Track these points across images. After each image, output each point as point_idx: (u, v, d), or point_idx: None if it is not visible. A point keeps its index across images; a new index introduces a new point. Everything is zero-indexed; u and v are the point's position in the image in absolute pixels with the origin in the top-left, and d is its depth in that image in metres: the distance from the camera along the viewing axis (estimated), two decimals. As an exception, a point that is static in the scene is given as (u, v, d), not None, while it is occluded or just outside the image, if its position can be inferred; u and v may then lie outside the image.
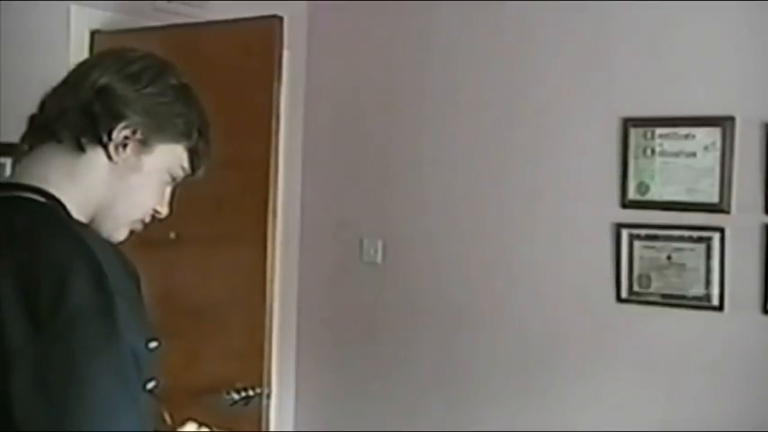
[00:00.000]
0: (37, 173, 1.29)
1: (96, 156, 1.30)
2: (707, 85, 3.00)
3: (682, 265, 3.01)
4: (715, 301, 2.96)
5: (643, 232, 3.08)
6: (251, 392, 2.58)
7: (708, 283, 2.97)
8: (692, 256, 2.99)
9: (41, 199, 1.25)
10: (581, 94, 3.20)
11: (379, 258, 3.61)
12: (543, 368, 3.26)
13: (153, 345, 1.26)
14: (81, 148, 1.29)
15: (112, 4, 2.90)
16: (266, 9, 2.60)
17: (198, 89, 2.85)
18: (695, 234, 2.99)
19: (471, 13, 3.40)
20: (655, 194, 3.06)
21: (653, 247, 3.06)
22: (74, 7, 2.82)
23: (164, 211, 1.41)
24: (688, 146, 3.01)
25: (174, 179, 1.39)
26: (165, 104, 1.33)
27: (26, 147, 1.34)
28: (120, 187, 1.32)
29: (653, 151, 3.07)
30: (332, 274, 3.74)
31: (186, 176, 1.40)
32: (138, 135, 1.30)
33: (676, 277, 3.03)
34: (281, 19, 2.58)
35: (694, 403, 3.00)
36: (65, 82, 1.35)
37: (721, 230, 2.94)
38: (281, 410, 3.62)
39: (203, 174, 1.42)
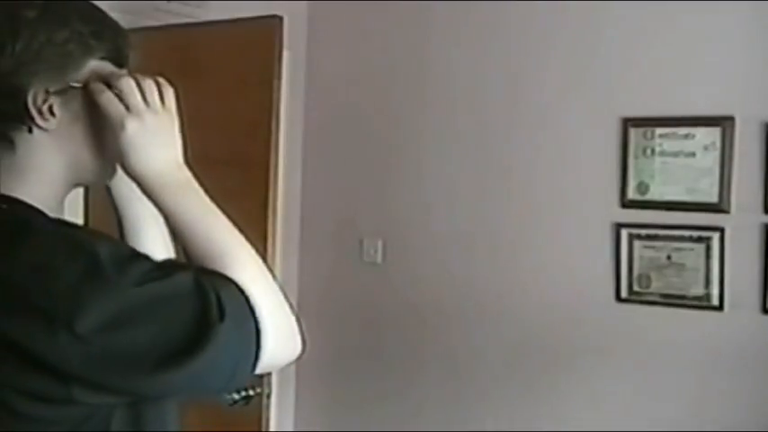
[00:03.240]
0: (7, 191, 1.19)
1: (33, 139, 1.18)
2: (707, 85, 3.00)
3: (682, 265, 3.01)
4: (715, 301, 2.96)
5: (643, 232, 3.08)
6: (251, 392, 2.58)
7: (708, 282, 2.97)
8: (692, 255, 2.99)
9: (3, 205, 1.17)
10: (581, 94, 3.20)
11: (379, 258, 3.61)
12: (543, 368, 3.26)
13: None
14: (12, 144, 1.18)
15: (112, 5, 2.88)
16: (266, 9, 2.60)
17: (198, 89, 2.86)
18: (695, 234, 2.99)
19: (471, 13, 3.40)
20: (655, 194, 3.07)
21: (653, 247, 3.06)
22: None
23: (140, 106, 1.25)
24: (688, 146, 3.01)
25: (113, 85, 1.21)
26: (46, 44, 1.16)
27: None
28: (73, 145, 1.20)
29: (653, 151, 3.07)
30: (332, 274, 3.74)
31: (122, 66, 1.25)
32: (51, 90, 1.16)
33: (676, 277, 3.03)
34: (281, 19, 2.59)
35: (694, 403, 3.00)
36: None
37: (721, 230, 2.95)
38: (281, 410, 3.62)
39: (132, 52, 1.26)
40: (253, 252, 1.21)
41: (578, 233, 3.20)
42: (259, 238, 2.58)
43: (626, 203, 3.12)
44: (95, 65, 1.20)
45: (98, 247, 1.07)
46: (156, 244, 1.41)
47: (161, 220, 1.25)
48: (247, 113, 2.64)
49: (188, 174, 1.23)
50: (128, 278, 1.06)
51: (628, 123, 3.10)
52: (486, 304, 3.37)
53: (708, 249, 2.96)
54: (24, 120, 1.16)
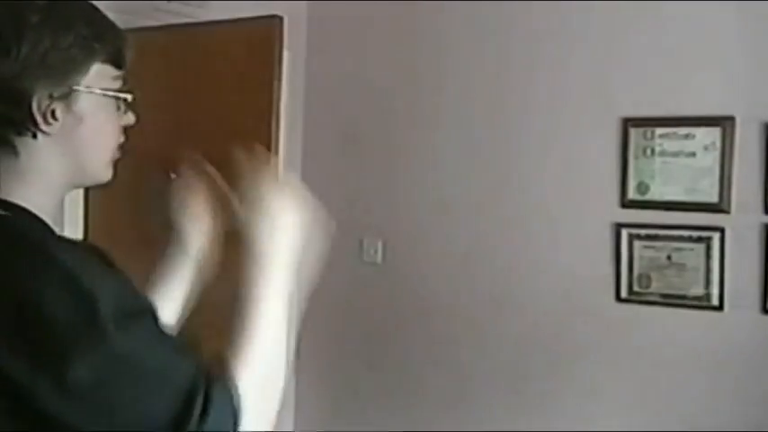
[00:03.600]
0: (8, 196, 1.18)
1: (36, 144, 1.18)
2: (707, 85, 3.00)
3: (682, 265, 3.01)
4: (715, 301, 2.96)
5: (643, 232, 3.08)
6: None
7: (708, 282, 2.97)
8: (692, 255, 2.99)
9: (2, 212, 1.16)
10: (581, 94, 3.20)
11: (379, 258, 3.61)
12: (543, 367, 3.26)
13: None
14: (15, 149, 1.17)
15: (112, 5, 2.88)
16: (266, 9, 2.60)
17: (198, 89, 2.86)
18: (695, 234, 2.99)
19: (471, 14, 3.40)
20: (655, 194, 3.07)
21: (653, 247, 3.06)
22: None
23: (131, 120, 1.28)
24: (688, 146, 3.01)
25: (117, 89, 1.24)
26: (50, 47, 1.15)
27: None
28: (75, 148, 1.20)
29: (653, 151, 3.07)
30: (332, 274, 3.73)
31: (124, 77, 1.26)
32: (55, 94, 1.16)
33: (676, 277, 3.03)
34: (281, 19, 2.59)
35: (694, 403, 3.00)
36: None
37: (721, 230, 2.95)
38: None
39: (130, 53, 1.26)
40: (277, 352, 1.27)
41: (578, 233, 3.20)
42: (259, 238, 2.59)
43: (626, 203, 3.12)
44: (97, 68, 1.20)
45: (101, 294, 1.05)
46: (174, 296, 1.48)
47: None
48: (247, 113, 2.64)
49: (287, 260, 1.36)
50: (125, 337, 1.04)
51: (628, 123, 3.10)
52: (486, 304, 3.37)
53: (708, 249, 2.96)
54: (28, 125, 1.16)
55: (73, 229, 2.88)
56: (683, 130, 3.02)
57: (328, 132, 3.75)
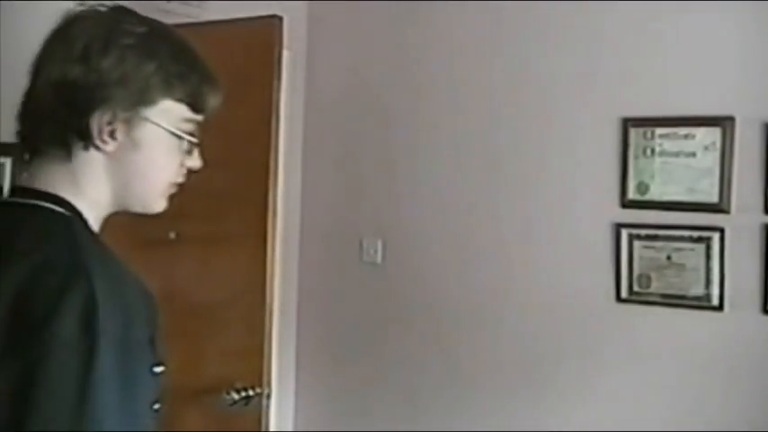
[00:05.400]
0: (46, 183, 1.21)
1: (88, 156, 1.20)
2: (707, 85, 3.00)
3: (681, 265, 3.01)
4: (715, 301, 2.96)
5: (643, 232, 3.08)
6: (251, 392, 2.58)
7: (708, 282, 2.97)
8: (692, 255, 2.99)
9: (57, 208, 1.19)
10: (581, 94, 3.20)
11: (379, 258, 3.61)
12: (543, 368, 3.26)
13: (158, 369, 1.22)
14: (69, 157, 1.20)
15: (112, 5, 2.89)
16: (266, 9, 2.60)
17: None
18: (695, 234, 2.99)
19: (471, 13, 3.40)
20: (654, 194, 3.06)
21: (653, 247, 3.06)
22: (74, 7, 2.82)
23: (196, 164, 1.30)
24: (688, 146, 3.01)
25: (188, 132, 1.26)
26: (130, 71, 1.18)
27: (27, 156, 1.26)
28: (128, 172, 1.22)
29: (653, 151, 3.07)
30: (332, 274, 3.74)
31: (199, 121, 1.28)
32: (119, 116, 1.18)
33: (676, 277, 3.02)
34: (281, 19, 2.59)
35: (694, 403, 3.00)
36: (29, 83, 1.26)
37: (721, 230, 2.94)
38: (281, 410, 3.62)
39: (217, 106, 1.30)
40: None
41: (578, 233, 3.20)
42: (259, 238, 2.59)
43: (626, 203, 3.12)
44: (170, 104, 1.23)
45: (105, 351, 1.07)
46: None
47: None
48: (247, 113, 2.64)
49: None
50: (101, 402, 1.07)
51: (628, 123, 3.10)
52: (486, 304, 3.37)
53: (708, 249, 2.96)
54: (84, 136, 1.18)
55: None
56: (683, 130, 3.02)
57: (328, 132, 3.75)
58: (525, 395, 3.29)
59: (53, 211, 1.19)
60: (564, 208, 3.23)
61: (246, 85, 2.63)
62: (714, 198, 2.96)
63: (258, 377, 2.58)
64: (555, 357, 3.24)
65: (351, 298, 3.68)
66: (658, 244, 3.05)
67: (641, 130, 3.08)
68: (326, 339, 3.75)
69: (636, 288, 3.10)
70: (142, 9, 3.17)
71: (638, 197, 3.09)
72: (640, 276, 3.08)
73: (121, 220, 3.18)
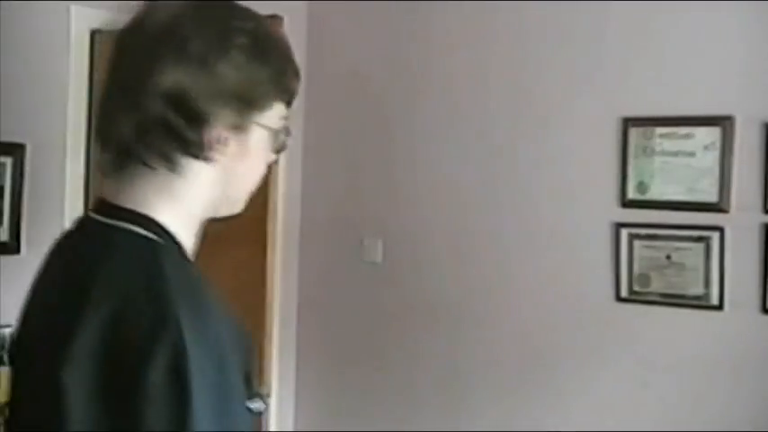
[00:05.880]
0: (135, 198, 1.11)
1: (195, 166, 1.10)
2: (707, 84, 3.00)
3: (681, 265, 3.01)
4: (714, 301, 2.96)
5: (643, 231, 3.08)
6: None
7: (707, 282, 2.97)
8: (692, 255, 2.99)
9: (145, 233, 1.09)
10: (581, 94, 3.20)
11: (379, 258, 3.61)
12: (543, 367, 3.26)
13: (254, 406, 1.13)
14: (174, 168, 1.09)
15: (112, 4, 2.89)
16: (266, 9, 2.60)
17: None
18: (695, 233, 2.99)
19: (471, 13, 3.40)
20: (654, 194, 3.07)
21: (653, 247, 3.06)
22: (74, 7, 2.82)
23: (276, 158, 1.22)
24: (687, 145, 3.01)
25: (281, 129, 1.18)
26: (247, 77, 1.09)
27: (115, 166, 1.13)
28: (231, 178, 1.14)
29: (653, 151, 3.07)
30: (332, 273, 3.74)
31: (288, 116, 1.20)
32: (234, 124, 1.09)
33: (676, 277, 3.03)
34: (281, 19, 2.59)
35: (694, 402, 3.00)
36: (118, 84, 1.12)
37: (721, 230, 2.94)
38: (281, 410, 3.62)
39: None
40: None
41: (578, 233, 3.20)
42: (259, 238, 2.59)
43: (626, 203, 3.12)
44: (277, 107, 1.15)
45: (198, 398, 1.00)
46: None
47: None
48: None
49: None
50: None
51: (628, 123, 3.10)
52: (486, 303, 3.37)
53: (707, 249, 2.96)
54: (198, 147, 1.08)
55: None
56: (682, 130, 3.02)
57: (328, 132, 3.75)
58: (525, 395, 3.30)
59: (140, 236, 1.09)
60: (564, 207, 3.23)
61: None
62: (714, 198, 2.96)
63: (258, 377, 2.58)
64: (554, 357, 3.24)
65: (351, 298, 3.68)
66: (658, 243, 3.05)
67: (641, 129, 3.08)
68: (326, 339, 3.75)
69: (636, 288, 3.10)
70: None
71: (637, 197, 3.09)
72: (640, 276, 3.09)
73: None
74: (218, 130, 1.08)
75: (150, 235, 1.09)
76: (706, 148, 2.97)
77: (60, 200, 2.87)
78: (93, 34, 2.88)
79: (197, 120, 1.07)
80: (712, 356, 2.98)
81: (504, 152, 3.36)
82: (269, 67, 1.11)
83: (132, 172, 1.10)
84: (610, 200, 3.15)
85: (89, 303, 1.03)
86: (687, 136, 3.01)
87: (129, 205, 1.10)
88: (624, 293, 3.11)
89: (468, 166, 3.42)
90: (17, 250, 2.73)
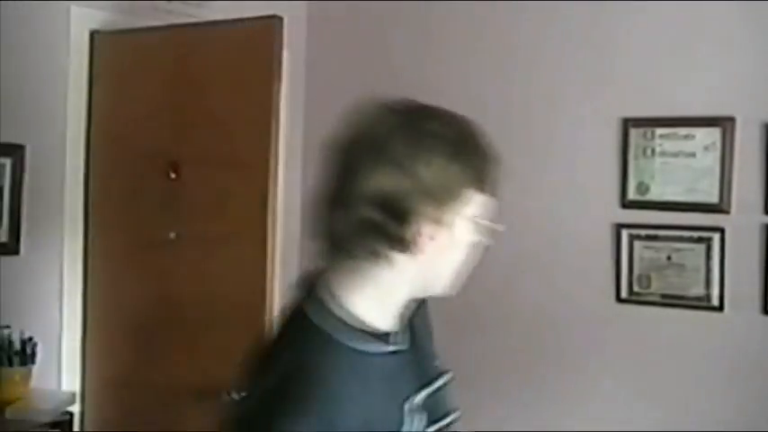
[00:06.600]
0: (341, 283, 1.22)
1: (401, 258, 1.18)
2: (707, 85, 3.00)
3: (682, 266, 3.01)
4: (715, 302, 2.96)
5: (643, 232, 3.08)
6: (251, 392, 2.57)
7: (708, 283, 2.97)
8: (692, 256, 2.99)
9: (328, 330, 1.18)
10: (581, 94, 3.20)
11: (379, 258, 3.60)
12: (543, 368, 3.26)
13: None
14: (381, 261, 1.18)
15: (112, 5, 2.90)
16: (266, 9, 2.60)
17: (198, 89, 2.86)
18: (695, 234, 2.99)
19: (470, 14, 3.40)
20: (655, 194, 3.07)
21: (653, 248, 3.06)
22: (74, 7, 2.82)
23: (485, 242, 1.29)
24: (688, 146, 3.01)
25: (482, 218, 1.26)
26: (445, 175, 1.17)
27: (326, 255, 1.25)
28: (434, 267, 1.22)
29: (653, 151, 3.07)
30: (332, 274, 3.74)
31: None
32: (438, 219, 1.17)
33: (676, 277, 3.03)
34: (281, 19, 2.59)
35: (694, 403, 3.00)
36: (330, 188, 1.25)
37: (721, 230, 2.94)
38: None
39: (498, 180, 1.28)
40: None
41: (578, 233, 3.20)
42: (259, 238, 2.58)
43: (626, 204, 3.12)
44: (477, 197, 1.22)
45: None
46: None
47: None
48: (247, 113, 2.63)
49: None
50: None
51: (628, 123, 3.10)
52: (486, 304, 3.37)
53: (708, 250, 2.96)
54: (403, 243, 1.16)
55: (73, 227, 2.88)
56: (683, 131, 3.02)
57: (328, 132, 3.74)
58: (525, 395, 3.29)
59: (317, 326, 1.19)
60: (564, 208, 3.23)
61: (246, 85, 2.63)
62: (714, 198, 2.96)
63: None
64: (555, 357, 3.24)
65: (351, 298, 3.68)
66: (658, 244, 3.05)
67: (641, 130, 3.08)
68: (326, 339, 3.74)
69: (636, 288, 3.10)
70: (143, 9, 3.17)
71: (638, 197, 3.09)
72: (640, 277, 3.09)
73: (121, 220, 3.18)
74: (421, 225, 1.15)
75: (332, 334, 1.18)
76: (706, 148, 2.97)
77: (60, 200, 2.87)
78: (93, 35, 2.87)
79: (401, 218, 1.15)
80: (712, 357, 2.98)
81: (504, 153, 3.34)
82: (466, 165, 1.19)
83: (342, 262, 1.21)
84: (610, 201, 3.15)
85: (261, 373, 1.17)
86: (687, 137, 3.01)
87: (334, 289, 1.21)
88: (624, 294, 3.11)
89: (469, 167, 3.42)
90: (17, 251, 2.72)
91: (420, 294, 1.27)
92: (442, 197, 1.16)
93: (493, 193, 1.25)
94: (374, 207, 1.14)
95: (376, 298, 1.21)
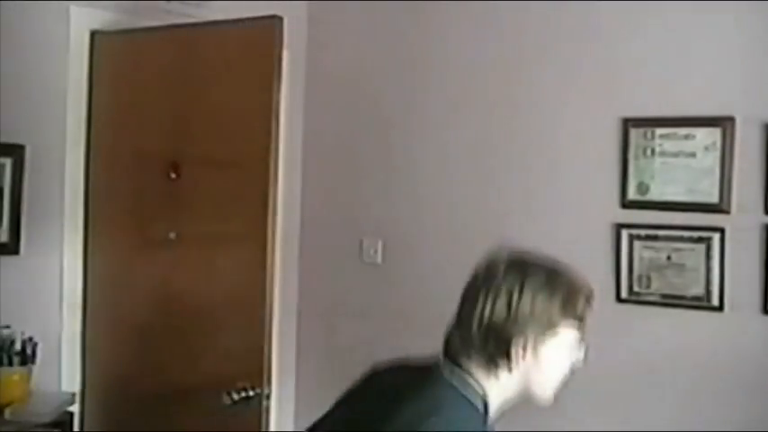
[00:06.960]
0: (475, 375, 1.61)
1: (505, 371, 1.58)
2: (707, 85, 3.00)
3: (681, 266, 3.01)
4: (715, 302, 2.96)
5: (643, 232, 3.08)
6: (251, 392, 2.58)
7: (708, 283, 2.97)
8: (692, 256, 2.99)
9: (475, 402, 1.58)
10: (581, 94, 3.20)
11: (379, 258, 3.61)
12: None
13: None
14: (491, 372, 1.58)
15: (112, 5, 2.90)
16: (266, 9, 2.60)
17: (198, 89, 2.86)
18: (695, 234, 2.99)
19: (471, 13, 3.40)
20: (655, 194, 3.06)
21: (653, 248, 3.06)
22: (74, 7, 2.82)
23: (581, 357, 1.67)
24: (688, 146, 3.01)
25: (579, 338, 1.64)
26: (540, 310, 1.54)
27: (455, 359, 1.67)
28: (530, 379, 1.60)
29: (653, 151, 3.07)
30: (332, 274, 3.74)
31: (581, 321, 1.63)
32: (531, 343, 1.54)
33: (676, 277, 3.03)
34: (281, 19, 2.59)
35: (694, 403, 3.00)
36: (461, 315, 1.71)
37: (721, 230, 2.94)
38: (281, 410, 3.62)
39: (592, 306, 1.67)
40: None
41: (578, 233, 3.20)
42: (259, 239, 2.58)
43: (626, 204, 3.12)
44: (566, 323, 1.59)
45: None
46: None
47: None
48: (247, 113, 2.64)
49: None
50: None
51: (628, 123, 3.10)
52: (486, 304, 3.37)
53: (708, 250, 2.96)
54: (505, 362, 1.56)
55: (73, 227, 2.88)
56: (683, 131, 3.02)
57: (328, 132, 3.75)
58: (525, 395, 3.29)
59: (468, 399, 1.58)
60: (564, 208, 3.23)
61: (246, 85, 2.63)
62: (714, 198, 2.96)
63: (258, 377, 2.58)
64: (555, 357, 3.23)
65: (351, 298, 3.68)
66: (658, 244, 3.05)
67: (641, 130, 3.08)
68: (326, 339, 3.75)
69: (636, 288, 3.10)
70: (143, 9, 3.17)
71: (638, 197, 3.09)
72: (640, 276, 3.09)
73: (121, 220, 3.18)
74: (518, 348, 1.54)
75: (477, 402, 1.58)
76: (706, 148, 2.97)
77: (60, 200, 2.87)
78: (93, 35, 2.87)
79: (504, 341, 1.54)
80: (712, 357, 2.97)
81: (504, 153, 3.36)
82: (559, 300, 1.57)
83: (461, 363, 1.66)
84: (610, 201, 3.15)
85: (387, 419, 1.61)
86: (687, 137, 3.01)
87: (467, 376, 1.61)
88: (624, 294, 3.11)
89: (468, 167, 3.42)
90: (17, 251, 2.73)
91: (523, 397, 1.64)
92: (539, 327, 1.54)
93: (583, 319, 1.62)
94: (487, 333, 1.57)
95: (495, 395, 1.62)
